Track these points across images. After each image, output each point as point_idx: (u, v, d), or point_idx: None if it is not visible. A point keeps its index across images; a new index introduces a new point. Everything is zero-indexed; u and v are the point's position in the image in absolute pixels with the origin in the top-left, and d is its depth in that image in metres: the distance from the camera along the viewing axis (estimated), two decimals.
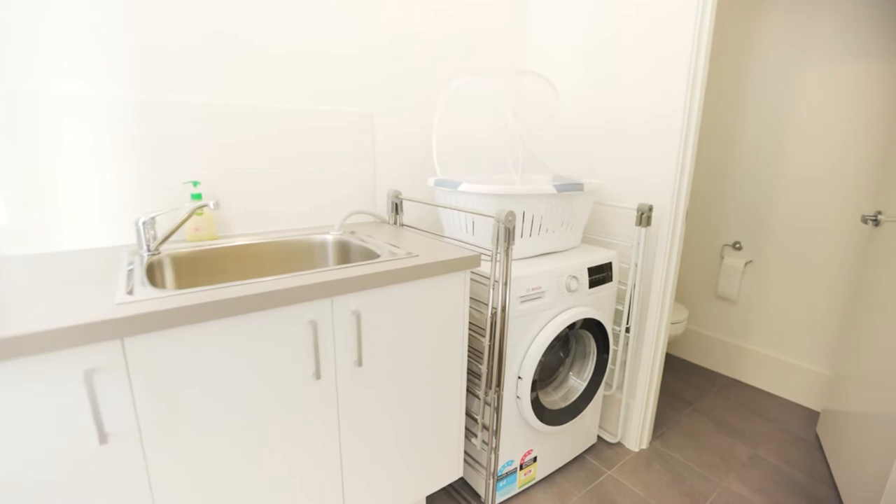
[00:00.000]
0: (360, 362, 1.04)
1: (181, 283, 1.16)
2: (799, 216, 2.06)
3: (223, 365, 0.86)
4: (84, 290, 0.83)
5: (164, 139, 1.21)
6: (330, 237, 1.39)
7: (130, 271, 0.95)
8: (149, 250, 1.10)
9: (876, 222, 1.57)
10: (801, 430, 1.93)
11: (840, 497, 1.53)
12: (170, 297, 0.80)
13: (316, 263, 1.39)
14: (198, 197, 1.23)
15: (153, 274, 1.08)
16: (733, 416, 2.02)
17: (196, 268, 1.19)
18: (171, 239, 1.22)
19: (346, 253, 1.37)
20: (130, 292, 0.82)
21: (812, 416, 2.03)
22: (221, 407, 0.87)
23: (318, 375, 0.98)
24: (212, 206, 1.08)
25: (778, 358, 2.19)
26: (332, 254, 1.39)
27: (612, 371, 1.73)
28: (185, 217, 1.11)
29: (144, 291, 0.83)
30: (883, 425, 1.29)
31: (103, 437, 0.75)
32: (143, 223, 1.08)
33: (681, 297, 2.55)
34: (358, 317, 1.00)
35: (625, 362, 1.72)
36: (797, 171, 2.04)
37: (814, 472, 1.66)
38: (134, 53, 1.13)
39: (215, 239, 1.28)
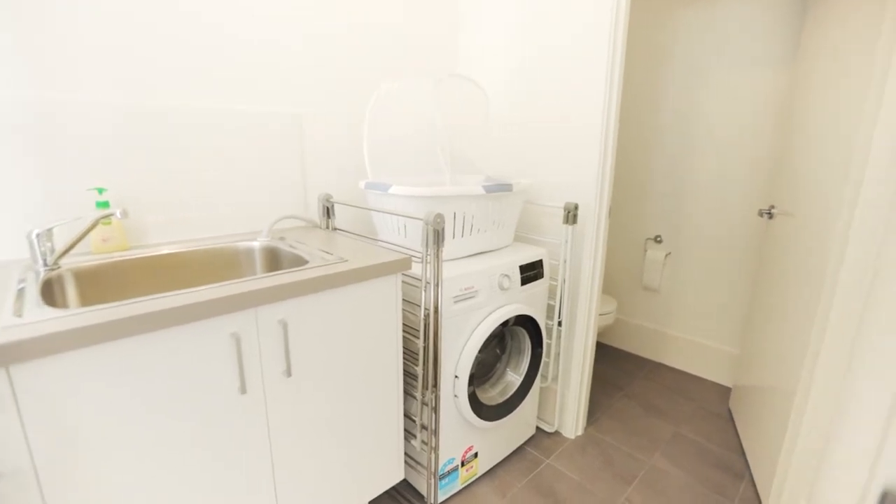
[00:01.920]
0: (289, 373, 1.01)
1: (87, 300, 1.07)
2: (708, 210, 2.25)
3: (135, 386, 0.80)
4: None
5: (64, 141, 1.10)
6: (257, 244, 1.33)
7: (21, 290, 0.86)
8: (45, 265, 1.00)
9: (770, 215, 1.75)
10: (716, 406, 2.11)
11: (748, 464, 1.69)
12: (68, 317, 0.74)
13: (243, 272, 1.33)
14: (104, 205, 1.14)
15: (51, 292, 0.99)
16: (659, 398, 2.17)
17: (104, 282, 1.09)
18: (73, 251, 1.11)
19: (274, 260, 1.32)
20: (19, 314, 0.75)
21: (726, 393, 2.22)
22: (136, 433, 0.81)
23: (243, 390, 0.94)
24: (118, 215, 1.00)
25: (696, 341, 2.39)
26: (259, 261, 1.34)
27: (547, 364, 1.80)
28: (87, 227, 1.02)
29: (38, 312, 0.76)
30: (777, 397, 1.44)
31: None
32: (38, 235, 0.98)
33: (610, 289, 2.70)
34: (285, 326, 0.97)
35: (558, 354, 1.80)
36: (706, 169, 2.23)
37: (727, 444, 1.83)
38: (28, 45, 1.03)
39: (127, 249, 1.19)
